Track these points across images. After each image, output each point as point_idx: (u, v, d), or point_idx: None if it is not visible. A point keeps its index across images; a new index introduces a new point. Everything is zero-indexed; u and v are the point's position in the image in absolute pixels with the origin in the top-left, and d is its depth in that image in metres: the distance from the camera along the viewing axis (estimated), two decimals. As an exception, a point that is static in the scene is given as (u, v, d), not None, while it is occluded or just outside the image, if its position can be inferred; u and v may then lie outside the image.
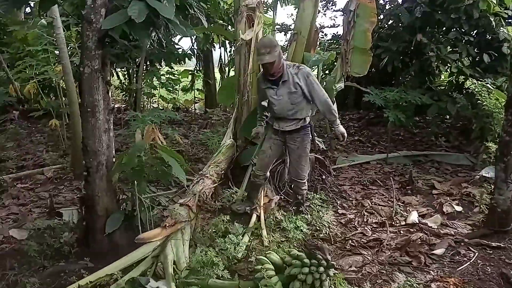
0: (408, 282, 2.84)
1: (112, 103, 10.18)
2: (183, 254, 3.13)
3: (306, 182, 4.00)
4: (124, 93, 9.26)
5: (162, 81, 7.82)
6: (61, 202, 4.35)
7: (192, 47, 9.34)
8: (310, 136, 3.82)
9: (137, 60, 7.75)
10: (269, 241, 3.50)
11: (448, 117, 7.32)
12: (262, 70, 3.66)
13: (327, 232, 3.74)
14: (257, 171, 3.95)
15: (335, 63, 5.25)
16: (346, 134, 3.81)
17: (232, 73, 9.22)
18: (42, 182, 5.04)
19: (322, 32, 10.38)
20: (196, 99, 10.35)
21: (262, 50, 3.39)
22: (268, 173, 4.08)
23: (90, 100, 2.93)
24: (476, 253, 3.36)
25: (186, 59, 8.53)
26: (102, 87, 3.00)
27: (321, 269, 2.57)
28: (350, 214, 4.20)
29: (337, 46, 8.48)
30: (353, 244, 3.56)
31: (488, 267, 3.16)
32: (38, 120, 7.90)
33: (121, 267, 2.95)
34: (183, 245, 3.24)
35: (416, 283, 2.90)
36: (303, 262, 2.60)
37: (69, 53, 5.61)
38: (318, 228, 3.79)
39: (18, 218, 3.96)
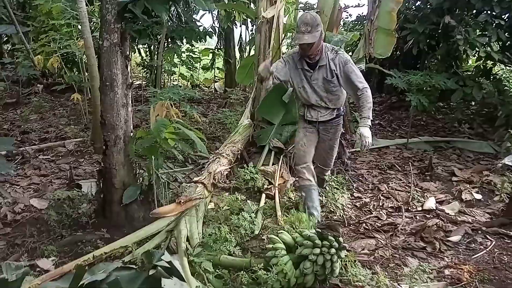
0: (421, 267, 2.81)
1: (133, 80, 10.34)
2: (196, 230, 3.17)
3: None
4: (145, 69, 9.30)
5: (183, 58, 7.80)
6: (81, 175, 4.46)
7: (213, 25, 9.27)
8: (342, 123, 3.60)
9: (158, 37, 7.76)
10: (283, 221, 3.51)
11: (473, 103, 7.10)
12: (299, 48, 3.31)
13: (341, 214, 3.73)
14: (298, 166, 3.61)
15: (358, 45, 5.12)
16: (369, 140, 3.32)
17: (252, 53, 9.13)
18: (63, 155, 5.16)
19: (346, 12, 10.11)
20: (216, 78, 10.34)
21: (302, 28, 3.05)
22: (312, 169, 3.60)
23: (108, 74, 2.95)
24: (493, 242, 3.29)
25: (207, 37, 8.50)
26: (121, 62, 3.01)
27: (333, 250, 2.56)
28: (365, 198, 4.17)
29: (361, 27, 8.26)
30: (367, 227, 3.53)
31: (504, 256, 3.10)
32: (61, 94, 8.06)
33: (136, 239, 3.01)
34: (197, 222, 3.28)
35: (429, 269, 2.87)
36: (315, 243, 2.59)
37: (92, 28, 5.66)
38: (332, 210, 3.78)
39: (39, 188, 4.08)
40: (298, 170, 3.62)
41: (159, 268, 2.39)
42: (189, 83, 9.32)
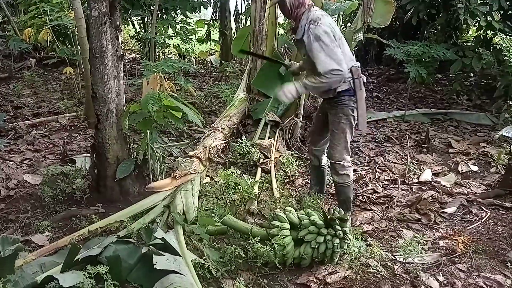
0: (415, 239, 2.81)
1: (127, 53, 10.17)
2: (192, 205, 3.16)
3: (348, 170, 3.02)
4: (139, 42, 9.10)
5: (177, 30, 7.62)
6: (75, 150, 4.41)
7: (208, -4, 9.02)
8: (350, 107, 2.87)
9: (152, 8, 7.55)
10: (279, 194, 3.51)
11: (472, 74, 7.01)
12: None
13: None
14: (308, 145, 3.43)
15: (357, 14, 4.98)
16: (286, 95, 2.86)
17: (248, 23, 8.93)
18: (57, 130, 5.10)
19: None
20: (211, 50, 10.14)
21: None
22: (321, 155, 3.29)
23: (98, 45, 2.86)
24: (489, 213, 3.30)
25: (202, 7, 8.28)
26: (110, 32, 2.91)
27: (336, 240, 2.52)
28: (361, 171, 4.15)
29: (360, -4, 8.05)
30: (363, 200, 3.53)
31: (499, 227, 3.11)
32: (54, 68, 7.91)
33: (131, 214, 3.00)
34: (193, 196, 3.27)
35: (424, 240, 2.88)
36: (320, 231, 2.55)
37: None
38: (328, 184, 3.77)
39: (32, 163, 4.04)
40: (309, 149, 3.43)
41: (151, 246, 2.40)
42: (184, 57, 9.14)
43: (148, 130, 3.14)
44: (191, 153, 3.72)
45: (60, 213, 3.09)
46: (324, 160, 3.32)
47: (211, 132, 4.09)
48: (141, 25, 9.38)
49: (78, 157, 3.98)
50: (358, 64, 2.89)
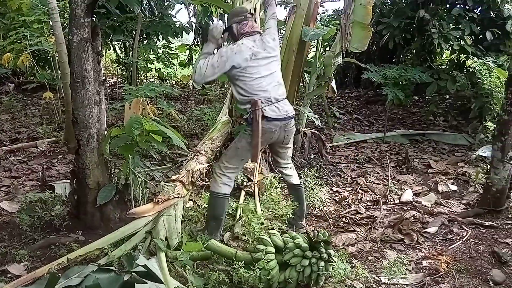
0: (399, 259, 2.83)
1: (109, 77, 10.14)
2: (175, 230, 3.11)
3: (219, 183, 3.04)
4: (120, 67, 9.11)
5: (159, 54, 7.67)
6: (54, 176, 4.32)
7: (190, 21, 9.15)
8: (245, 135, 2.93)
9: (133, 33, 7.60)
10: (263, 218, 3.48)
11: (447, 96, 7.25)
12: None
13: (321, 209, 3.73)
14: None
15: (335, 39, 5.13)
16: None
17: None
18: (36, 155, 5.00)
19: (323, 6, 10.15)
20: (193, 74, 10.19)
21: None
22: (286, 174, 3.33)
23: (79, 70, 2.85)
24: (469, 232, 3.36)
25: (184, 32, 8.37)
26: (92, 57, 2.90)
27: (322, 263, 2.50)
28: (344, 192, 4.19)
29: (338, 22, 8.30)
30: (346, 221, 3.55)
31: (480, 246, 3.16)
32: (33, 93, 7.82)
33: (112, 241, 2.92)
34: (175, 221, 3.22)
35: (407, 260, 2.90)
36: (305, 255, 2.54)
37: (63, 23, 5.48)
38: (312, 205, 3.78)
39: (10, 190, 3.93)
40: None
41: (133, 274, 2.34)
42: (166, 80, 9.16)
43: (130, 155, 3.11)
44: (173, 177, 3.69)
45: (39, 242, 2.99)
46: (296, 179, 3.32)
47: (194, 156, 4.07)
48: (123, 50, 9.41)
49: (58, 183, 3.89)
50: (270, 97, 2.84)
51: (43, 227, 3.15)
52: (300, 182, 3.37)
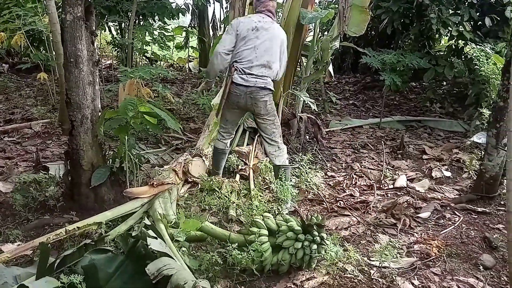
0: (391, 243, 2.86)
1: (104, 59, 10.02)
2: (171, 209, 3.13)
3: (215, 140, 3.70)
4: (116, 48, 9.00)
5: (155, 36, 7.58)
6: (48, 157, 4.30)
7: (186, 2, 9.02)
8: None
9: (129, 13, 7.49)
10: (258, 200, 3.50)
11: (444, 83, 7.23)
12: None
13: (315, 193, 3.75)
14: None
15: (333, 23, 5.07)
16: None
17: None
18: (30, 136, 4.97)
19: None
20: (190, 57, 10.11)
21: None
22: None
23: (72, 49, 2.81)
24: (461, 218, 3.39)
25: (180, 14, 8.26)
26: (85, 37, 2.86)
27: (314, 246, 2.52)
28: (339, 177, 4.20)
29: (336, 5, 8.22)
30: (340, 205, 3.56)
31: (471, 231, 3.20)
32: (28, 73, 7.73)
33: (109, 218, 2.92)
34: (171, 204, 3.23)
35: (399, 244, 2.93)
36: (298, 237, 2.55)
37: (58, 3, 5.39)
38: (306, 190, 3.79)
39: (3, 171, 3.91)
40: (284, 146, 3.56)
41: (141, 231, 2.36)
42: (162, 62, 9.07)
43: (125, 137, 3.10)
44: (166, 167, 3.69)
45: (32, 222, 2.99)
46: (278, 160, 3.53)
47: (195, 155, 4.02)
48: (118, 31, 9.29)
49: (52, 164, 3.87)
50: (243, 68, 3.24)
51: (37, 208, 3.14)
52: (282, 164, 3.51)
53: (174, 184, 3.44)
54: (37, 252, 2.50)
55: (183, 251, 2.63)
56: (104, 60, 9.87)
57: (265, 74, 3.29)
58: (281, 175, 3.51)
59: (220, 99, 3.42)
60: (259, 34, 3.25)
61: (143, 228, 2.50)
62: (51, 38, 5.21)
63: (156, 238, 2.40)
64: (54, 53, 5.50)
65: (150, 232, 2.44)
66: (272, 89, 3.39)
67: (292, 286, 2.49)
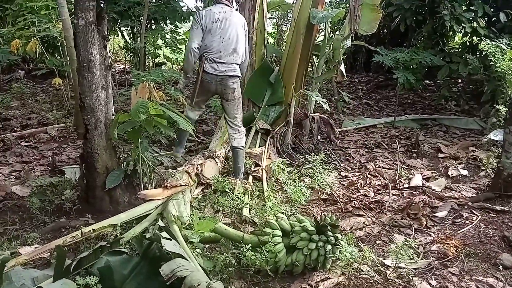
0: (407, 243, 2.82)
1: (117, 63, 10.14)
2: (185, 210, 3.14)
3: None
4: (128, 53, 9.10)
5: (167, 40, 7.64)
6: (64, 161, 4.37)
7: (197, 5, 9.05)
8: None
9: (141, 18, 7.57)
10: (271, 201, 3.48)
11: (459, 80, 7.12)
12: None
13: (329, 193, 3.72)
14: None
15: (344, 22, 5.04)
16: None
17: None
18: (46, 141, 5.05)
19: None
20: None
21: None
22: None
23: (85, 54, 2.84)
24: (479, 216, 3.32)
25: (191, 17, 8.29)
26: (98, 41, 2.90)
27: (328, 247, 2.50)
28: (353, 177, 4.16)
29: (347, 4, 8.17)
30: (354, 206, 3.53)
31: (490, 230, 3.13)
32: (43, 79, 7.86)
33: (124, 220, 2.94)
34: (185, 205, 3.25)
35: (416, 244, 2.88)
36: (312, 238, 2.54)
37: (70, 9, 5.46)
38: (320, 190, 3.77)
39: (21, 175, 3.98)
40: (243, 130, 3.89)
41: (155, 233, 2.37)
42: (174, 66, 9.12)
43: (138, 139, 3.12)
44: (179, 169, 3.71)
45: (49, 225, 3.04)
46: (236, 142, 3.86)
47: (208, 158, 4.04)
48: (131, 36, 9.39)
49: (67, 168, 3.93)
50: (213, 58, 3.57)
51: (54, 211, 3.19)
52: (239, 146, 3.83)
53: (188, 186, 3.46)
54: (54, 255, 2.53)
55: (197, 252, 2.64)
56: (118, 64, 9.98)
57: (234, 60, 3.65)
58: (236, 156, 3.85)
59: (194, 87, 3.82)
60: (222, 25, 3.56)
61: (157, 230, 2.52)
62: (65, 44, 5.30)
63: (170, 240, 2.41)
64: (68, 59, 5.58)
65: (164, 234, 2.46)
66: (240, 75, 3.77)
67: (307, 287, 2.47)
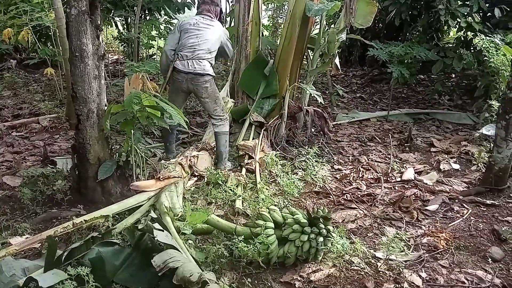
0: (398, 236, 2.84)
1: (111, 54, 10.04)
2: (178, 202, 3.14)
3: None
4: (122, 43, 9.01)
5: (161, 31, 7.57)
6: (56, 151, 4.34)
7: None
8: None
9: (135, 8, 7.48)
10: (263, 194, 3.49)
11: (453, 75, 7.14)
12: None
13: (321, 186, 3.73)
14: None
15: (340, 15, 5.02)
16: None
17: (232, 25, 8.91)
18: (37, 131, 5.01)
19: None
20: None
21: None
22: None
23: (77, 44, 2.81)
24: (470, 210, 3.35)
25: (186, 8, 8.23)
26: (90, 31, 2.86)
27: (320, 239, 2.52)
28: (345, 170, 4.18)
29: (343, -3, 8.15)
30: (347, 198, 3.55)
31: (480, 224, 3.16)
32: (35, 69, 7.77)
33: (116, 211, 2.94)
34: (177, 197, 3.24)
35: (406, 237, 2.91)
36: (304, 230, 2.55)
37: (63, -2, 5.40)
38: (313, 183, 3.78)
39: (12, 165, 3.95)
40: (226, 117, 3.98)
41: (147, 225, 2.37)
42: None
43: (131, 131, 3.10)
44: (172, 160, 3.71)
45: (40, 215, 3.02)
46: (217, 128, 3.92)
47: (201, 150, 4.03)
48: (125, 26, 9.29)
49: (59, 158, 3.91)
50: (184, 55, 3.65)
51: (45, 201, 3.17)
52: (220, 131, 3.90)
53: (181, 177, 3.45)
54: (45, 245, 2.52)
55: (189, 243, 2.64)
56: (111, 55, 9.89)
57: (205, 58, 3.69)
58: (218, 140, 3.92)
59: (163, 79, 3.90)
60: (199, 27, 3.72)
61: (149, 221, 2.52)
62: (58, 33, 5.24)
63: (162, 231, 2.41)
64: (60, 48, 5.52)
65: (157, 225, 2.46)
66: (212, 74, 3.77)
67: (299, 278, 2.48)
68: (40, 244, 2.56)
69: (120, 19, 9.03)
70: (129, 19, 8.45)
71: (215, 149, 4.04)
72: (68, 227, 2.62)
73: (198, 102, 6.17)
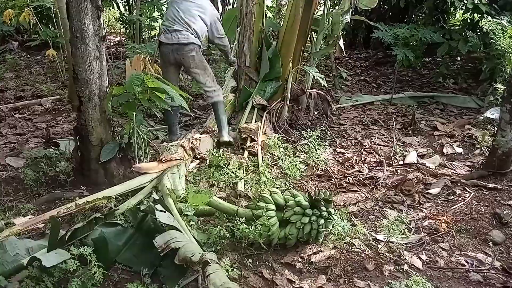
0: (399, 219, 2.85)
1: (113, 36, 9.97)
2: (180, 184, 3.15)
3: None
4: (124, 25, 8.93)
5: (163, 12, 7.48)
6: (59, 133, 4.35)
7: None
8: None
9: (137, -11, 7.40)
10: (265, 177, 3.49)
11: (458, 58, 7.05)
12: None
13: (323, 168, 3.73)
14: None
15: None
16: None
17: (235, 5, 8.79)
18: (40, 113, 5.02)
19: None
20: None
21: None
22: None
23: (78, 24, 2.78)
24: (472, 194, 3.35)
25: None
26: (91, 11, 2.83)
27: (321, 221, 2.52)
28: (348, 153, 4.17)
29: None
30: (348, 181, 3.55)
31: (482, 207, 3.16)
32: (37, 51, 7.74)
33: (118, 192, 2.96)
34: (179, 179, 3.25)
35: (408, 220, 2.92)
36: (305, 212, 2.55)
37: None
38: (315, 166, 3.78)
39: (15, 147, 3.97)
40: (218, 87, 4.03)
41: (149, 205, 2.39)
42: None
43: (133, 113, 3.09)
44: (174, 142, 3.71)
45: (43, 196, 3.05)
46: (211, 99, 3.99)
47: (203, 133, 4.03)
48: (126, 7, 9.19)
49: (62, 140, 3.92)
50: (168, 26, 3.73)
51: (48, 183, 3.19)
52: (216, 101, 3.96)
53: (183, 160, 3.46)
54: (48, 225, 2.55)
55: (191, 225, 2.66)
56: (113, 37, 9.81)
57: (188, 29, 3.70)
58: (215, 110, 3.98)
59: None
60: (183, 1, 3.75)
61: (151, 203, 2.53)
62: (59, 14, 5.19)
63: (164, 212, 2.43)
64: (62, 30, 5.48)
65: (159, 206, 2.47)
66: (197, 43, 3.77)
67: (299, 259, 2.50)
68: (43, 224, 2.59)
69: (121, 1, 8.95)
70: (130, 0, 8.36)
71: (216, 131, 4.04)
72: (71, 208, 2.65)
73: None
